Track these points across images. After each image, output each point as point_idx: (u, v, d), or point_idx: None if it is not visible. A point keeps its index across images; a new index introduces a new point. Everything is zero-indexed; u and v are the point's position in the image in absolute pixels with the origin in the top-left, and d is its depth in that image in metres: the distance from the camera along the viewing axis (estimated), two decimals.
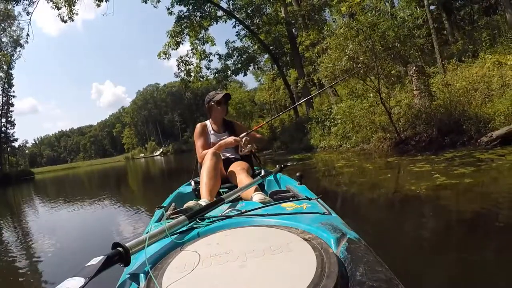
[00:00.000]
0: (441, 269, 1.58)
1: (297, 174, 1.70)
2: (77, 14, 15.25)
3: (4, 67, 27.42)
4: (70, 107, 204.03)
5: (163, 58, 15.59)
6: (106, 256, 0.68)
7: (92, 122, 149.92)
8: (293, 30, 16.30)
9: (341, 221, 0.93)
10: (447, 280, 1.52)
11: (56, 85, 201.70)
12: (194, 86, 17.35)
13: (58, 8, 14.59)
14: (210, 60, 16.77)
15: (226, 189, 1.78)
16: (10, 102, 30.57)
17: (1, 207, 8.75)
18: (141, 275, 0.74)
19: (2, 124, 29.66)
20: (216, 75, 16.81)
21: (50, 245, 3.28)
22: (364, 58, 5.60)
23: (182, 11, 15.51)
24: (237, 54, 17.00)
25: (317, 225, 0.84)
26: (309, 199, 1.20)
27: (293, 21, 15.64)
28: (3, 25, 25.63)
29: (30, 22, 18.41)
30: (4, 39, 26.28)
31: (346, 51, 5.68)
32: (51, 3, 14.44)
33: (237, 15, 16.23)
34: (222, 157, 2.01)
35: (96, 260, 0.66)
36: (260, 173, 2.04)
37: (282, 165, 1.96)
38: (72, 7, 14.52)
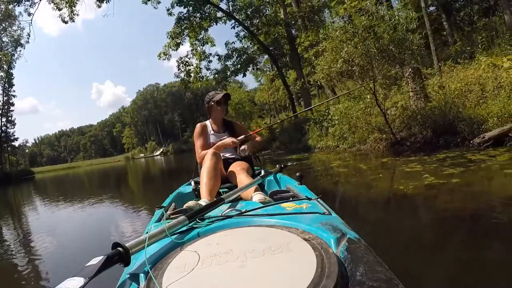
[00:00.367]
0: (420, 266, 1.62)
1: (297, 174, 1.69)
2: (77, 15, 15.39)
3: (5, 66, 27.54)
4: (70, 107, 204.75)
5: (163, 59, 15.73)
6: (106, 256, 0.68)
7: (92, 122, 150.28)
8: (293, 31, 16.41)
9: (341, 221, 0.93)
10: (431, 280, 1.54)
11: (56, 85, 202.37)
12: (194, 87, 17.46)
13: (59, 9, 14.64)
14: (210, 61, 16.88)
15: (226, 189, 1.78)
16: (11, 101, 30.71)
17: (1, 207, 8.75)
18: (141, 275, 0.74)
19: (3, 123, 29.83)
20: (216, 75, 16.94)
21: (50, 244, 3.27)
22: (360, 61, 5.73)
23: (182, 12, 15.64)
24: (236, 55, 17.09)
25: (317, 225, 0.84)
26: (309, 199, 1.20)
27: (292, 22, 15.77)
28: (3, 24, 25.78)
29: (31, 22, 18.56)
30: (4, 39, 26.44)
31: (341, 54, 5.81)
32: (52, 4, 14.62)
33: (236, 16, 16.29)
34: (222, 157, 2.00)
35: (96, 260, 0.66)
36: (260, 173, 2.04)
37: (282, 165, 1.95)
38: (73, 8, 14.65)
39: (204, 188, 1.58)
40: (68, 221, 4.73)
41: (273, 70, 20.22)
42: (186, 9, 15.49)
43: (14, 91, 30.81)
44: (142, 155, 60.16)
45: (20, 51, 26.37)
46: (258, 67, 19.04)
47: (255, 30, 16.52)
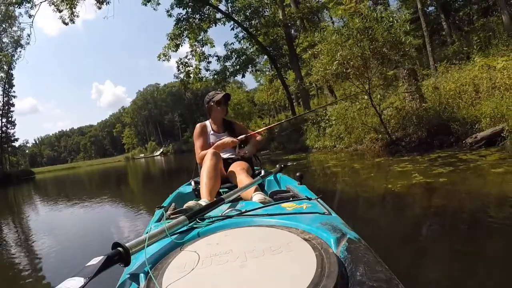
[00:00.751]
0: (399, 259, 1.70)
1: (297, 174, 1.69)
2: (77, 16, 15.50)
3: (5, 67, 27.68)
4: (70, 107, 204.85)
5: (163, 60, 15.86)
6: (106, 256, 0.68)
7: (92, 122, 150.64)
8: (292, 32, 16.53)
9: (341, 221, 0.93)
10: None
11: (56, 85, 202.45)
12: (193, 87, 17.60)
13: (60, 11, 14.70)
14: (209, 62, 16.99)
15: (226, 189, 1.77)
16: (11, 102, 30.82)
17: (2, 207, 8.75)
18: (141, 275, 0.74)
19: (3, 124, 29.96)
20: (215, 76, 17.08)
21: (51, 244, 3.27)
22: (355, 63, 5.84)
23: (181, 13, 15.71)
24: (235, 55, 17.20)
25: (317, 225, 0.84)
26: (309, 199, 1.20)
27: (291, 23, 15.88)
28: (3, 25, 25.91)
29: (32, 24, 18.62)
30: (5, 40, 26.55)
31: (336, 56, 5.92)
32: (53, 6, 14.74)
33: (235, 18, 16.36)
34: (222, 157, 1.99)
35: (96, 260, 0.66)
36: (260, 173, 2.04)
37: (282, 165, 1.95)
38: (73, 9, 14.77)
39: (204, 188, 1.58)
40: (68, 221, 4.74)
41: (272, 71, 20.37)
42: (185, 10, 15.64)
43: (14, 91, 30.88)
44: (142, 155, 60.24)
45: (20, 51, 26.51)
46: (257, 68, 19.18)
47: (254, 31, 16.63)
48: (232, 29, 16.64)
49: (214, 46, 16.97)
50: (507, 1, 11.13)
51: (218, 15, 16.33)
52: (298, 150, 10.84)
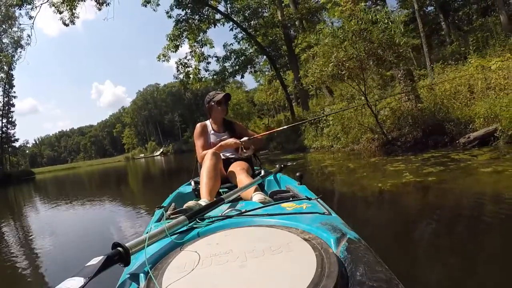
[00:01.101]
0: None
1: (297, 174, 1.69)
2: (78, 17, 15.61)
3: (5, 67, 27.82)
4: (70, 107, 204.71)
5: (163, 61, 15.93)
6: (106, 256, 0.68)
7: (92, 122, 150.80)
8: (291, 32, 16.63)
9: (341, 221, 0.93)
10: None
11: (56, 85, 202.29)
12: (193, 87, 17.73)
13: (60, 12, 14.73)
14: (209, 63, 17.03)
15: (226, 189, 1.77)
16: (11, 102, 30.94)
17: (2, 207, 8.74)
18: (141, 275, 0.74)
19: (3, 124, 30.08)
20: (215, 76, 17.19)
21: (51, 244, 3.27)
22: (350, 64, 5.94)
23: (180, 14, 15.75)
24: (234, 56, 17.27)
25: (317, 225, 0.84)
26: (309, 199, 1.20)
27: (290, 24, 15.97)
28: (3, 26, 26.03)
29: (33, 26, 18.72)
30: (5, 40, 26.67)
31: (331, 59, 6.03)
32: (53, 7, 14.84)
33: (234, 18, 16.39)
34: (222, 157, 2.00)
35: (96, 260, 0.66)
36: (260, 173, 2.04)
37: (282, 165, 1.96)
38: (74, 10, 14.85)
39: (204, 188, 1.58)
40: (69, 221, 4.75)
41: (272, 71, 20.49)
42: (185, 11, 15.69)
43: (14, 92, 30.98)
44: (142, 155, 60.30)
45: (20, 52, 26.61)
46: (256, 68, 19.28)
47: (253, 32, 16.73)
48: (231, 29, 16.75)
49: (213, 46, 17.06)
50: (505, 1, 11.16)
51: (217, 16, 16.41)
52: (296, 150, 10.92)
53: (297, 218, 0.92)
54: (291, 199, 1.33)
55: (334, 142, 9.01)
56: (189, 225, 0.97)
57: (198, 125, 2.20)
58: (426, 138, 6.18)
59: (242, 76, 17.78)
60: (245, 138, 2.05)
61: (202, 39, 16.57)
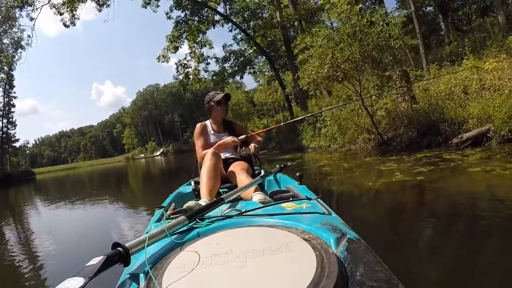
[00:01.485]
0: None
1: (297, 174, 1.69)
2: (78, 19, 15.74)
3: (6, 68, 27.97)
4: (70, 107, 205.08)
5: (162, 61, 16.01)
6: (106, 256, 0.68)
7: (93, 122, 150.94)
8: (291, 33, 16.74)
9: (341, 221, 0.93)
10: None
11: (56, 86, 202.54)
12: (192, 88, 17.87)
13: (61, 14, 14.79)
14: (208, 63, 17.14)
15: (226, 189, 1.77)
16: (12, 103, 31.06)
17: (2, 207, 8.73)
18: (141, 275, 0.74)
19: (4, 125, 30.22)
20: (214, 77, 17.32)
21: (51, 244, 3.27)
22: (346, 66, 6.05)
23: (180, 16, 15.84)
24: (234, 57, 17.37)
25: (317, 225, 0.84)
26: (309, 199, 1.20)
27: (289, 24, 16.09)
28: (4, 26, 26.18)
29: (34, 27, 18.84)
30: (5, 41, 26.81)
31: (326, 60, 6.13)
32: (54, 9, 14.95)
33: (233, 19, 16.49)
34: (222, 157, 1.99)
35: (96, 260, 0.66)
36: (260, 173, 2.05)
37: (282, 165, 1.96)
38: (74, 12, 14.90)
39: (204, 188, 1.58)
40: (69, 222, 4.74)
41: (271, 71, 20.61)
42: (184, 13, 15.77)
43: (15, 92, 31.11)
44: (142, 155, 60.36)
45: (20, 53, 26.75)
46: (254, 69, 19.43)
47: (252, 33, 16.86)
48: (230, 30, 16.87)
49: (212, 47, 17.16)
50: (503, 2, 11.21)
51: (217, 17, 16.52)
52: (294, 150, 10.99)
53: (297, 218, 0.92)
54: (291, 199, 1.33)
55: (331, 142, 9.09)
56: (189, 225, 0.97)
57: (198, 125, 2.20)
58: (420, 138, 6.27)
59: (241, 77, 17.98)
60: (242, 137, 2.05)
61: (202, 40, 16.68)
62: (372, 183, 3.69)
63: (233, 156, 2.12)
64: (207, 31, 16.66)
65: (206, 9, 16.09)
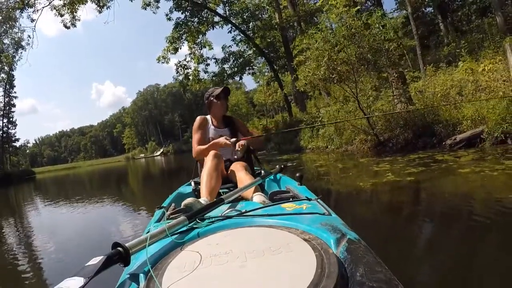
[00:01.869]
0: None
1: (297, 174, 1.69)
2: (79, 20, 15.83)
3: (6, 68, 28.12)
4: (70, 107, 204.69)
5: (162, 62, 16.09)
6: (106, 256, 0.68)
7: (93, 122, 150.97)
8: (291, 33, 16.84)
9: (341, 222, 0.93)
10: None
11: (55, 85, 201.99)
12: (192, 89, 18.01)
13: (61, 15, 14.83)
14: (208, 64, 17.22)
15: (226, 190, 1.77)
16: (12, 102, 31.19)
17: (2, 207, 8.72)
18: (141, 275, 0.73)
19: (4, 124, 30.36)
20: (213, 78, 17.44)
21: (51, 244, 3.27)
22: (342, 68, 6.15)
23: (180, 17, 15.91)
24: (233, 58, 17.47)
25: (317, 226, 0.84)
26: (309, 199, 1.20)
27: (289, 25, 16.19)
28: (4, 27, 26.30)
29: (34, 28, 18.95)
30: (6, 41, 26.94)
31: (322, 63, 6.23)
32: (55, 10, 15.02)
33: (233, 21, 16.57)
34: (225, 157, 1.99)
35: (96, 260, 0.66)
36: (260, 173, 2.05)
37: (282, 166, 1.97)
38: (75, 13, 14.93)
39: (205, 189, 1.58)
40: (69, 221, 4.73)
41: (270, 72, 20.71)
42: (184, 14, 15.84)
43: (15, 92, 31.27)
44: (143, 155, 60.44)
45: (21, 53, 26.88)
46: (253, 71, 19.53)
47: (251, 34, 16.94)
48: (230, 32, 16.98)
49: (212, 48, 17.23)
50: (501, 3, 11.22)
51: (216, 19, 16.61)
52: (293, 151, 11.07)
53: (297, 219, 0.93)
54: (291, 199, 1.33)
55: (328, 143, 9.17)
56: (189, 225, 0.97)
57: (198, 117, 2.16)
58: (416, 140, 6.35)
59: (241, 78, 18.09)
60: (233, 140, 1.99)
61: (201, 41, 16.80)
62: (364, 183, 3.76)
63: (234, 156, 2.09)
64: (206, 32, 16.77)
65: (205, 10, 16.18)
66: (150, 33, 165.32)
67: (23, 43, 25.83)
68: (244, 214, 1.04)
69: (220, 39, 19.98)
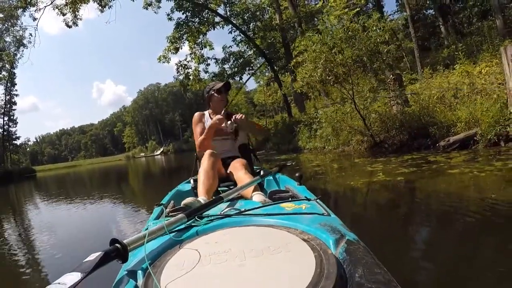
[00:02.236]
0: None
1: (297, 174, 1.69)
2: (80, 19, 15.95)
3: (7, 66, 28.30)
4: (71, 105, 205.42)
5: (163, 62, 16.12)
6: (104, 252, 0.68)
7: (93, 120, 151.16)
8: (292, 34, 16.97)
9: (340, 222, 0.93)
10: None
11: (57, 83, 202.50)
12: (193, 89, 18.18)
13: (63, 14, 14.93)
14: (208, 64, 17.29)
15: (226, 188, 1.77)
16: (13, 101, 31.30)
17: (3, 204, 8.73)
18: (139, 272, 0.73)
19: (5, 122, 30.52)
20: (214, 78, 17.56)
21: (51, 241, 3.27)
22: (338, 70, 6.26)
23: (180, 18, 15.97)
24: (233, 58, 17.59)
25: (316, 226, 0.84)
26: (308, 199, 1.20)
27: (289, 26, 16.32)
28: (6, 25, 26.48)
29: (37, 27, 19.10)
30: (7, 39, 27.10)
31: (319, 64, 6.35)
32: (56, 9, 15.13)
33: (233, 21, 16.65)
34: (221, 157, 1.99)
35: (94, 256, 0.66)
36: (260, 172, 2.05)
37: (282, 165, 2.00)
38: (76, 12, 14.98)
39: (201, 187, 1.58)
40: (70, 219, 4.74)
41: (270, 73, 20.84)
42: (185, 14, 15.88)
43: (16, 90, 31.38)
44: (143, 154, 60.58)
45: (22, 51, 27.04)
46: (254, 71, 19.69)
47: (252, 35, 17.06)
48: (230, 32, 17.10)
49: (213, 48, 17.33)
50: (501, 6, 11.29)
51: (217, 19, 16.70)
52: (291, 151, 11.14)
53: (297, 219, 0.92)
54: (290, 199, 1.33)
55: (326, 144, 9.25)
56: (188, 223, 0.96)
57: (196, 113, 2.19)
58: (411, 141, 6.42)
59: (241, 78, 18.26)
60: (224, 114, 2.04)
61: (202, 41, 16.94)
62: (354, 182, 3.88)
63: (232, 155, 2.11)
64: (207, 33, 16.92)
65: (206, 10, 16.32)
66: (152, 32, 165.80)
67: (25, 41, 25.97)
68: (243, 213, 1.03)
69: (221, 39, 20.16)
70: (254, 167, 2.25)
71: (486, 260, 1.56)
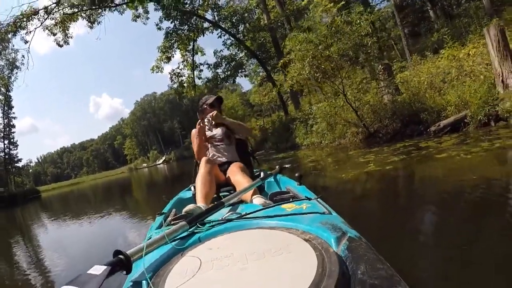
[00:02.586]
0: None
1: (296, 174, 1.70)
2: (71, 37, 16.19)
3: (3, 89, 28.50)
4: (69, 122, 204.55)
5: (156, 72, 16.44)
6: (109, 265, 0.69)
7: (93, 136, 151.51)
8: (281, 32, 17.12)
9: (341, 220, 0.94)
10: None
11: (52, 102, 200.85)
12: (188, 95, 18.34)
13: (54, 34, 15.13)
14: (201, 70, 17.42)
15: (227, 193, 1.78)
16: (11, 123, 31.57)
17: (11, 229, 8.76)
18: (144, 282, 0.74)
19: (5, 146, 30.72)
20: (207, 83, 17.78)
21: (58, 257, 3.33)
22: (326, 66, 6.39)
23: (169, 27, 16.10)
24: (225, 62, 17.71)
25: (317, 225, 0.84)
26: (309, 199, 1.21)
27: (277, 25, 16.46)
28: None
29: (29, 50, 19.33)
30: (0, 63, 27.32)
31: (305, 63, 6.47)
32: (47, 30, 15.31)
33: (222, 25, 16.73)
34: (219, 162, 2.02)
35: (98, 269, 0.66)
36: (260, 175, 2.06)
37: (282, 166, 2.02)
38: (67, 31, 15.28)
39: (199, 195, 1.59)
40: (75, 237, 4.77)
41: (264, 72, 20.98)
42: (173, 23, 15.97)
43: (13, 113, 31.60)
44: (145, 164, 60.76)
45: (16, 73, 27.19)
46: (246, 72, 19.84)
47: (242, 37, 17.16)
48: (220, 36, 17.20)
49: (204, 54, 17.50)
50: None
51: (206, 24, 16.83)
52: (289, 149, 11.18)
53: (297, 219, 0.93)
54: (291, 200, 1.33)
55: (322, 138, 9.32)
56: (190, 230, 0.97)
57: (193, 130, 2.21)
58: (404, 128, 6.49)
59: (234, 81, 18.43)
60: (207, 116, 2.06)
61: (193, 48, 17.14)
62: (345, 174, 3.96)
63: (229, 160, 2.11)
64: (197, 39, 17.08)
65: (194, 17, 16.48)
66: (143, 43, 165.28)
67: (18, 63, 26.08)
68: (244, 216, 1.04)
69: (213, 44, 20.30)
70: (254, 170, 2.27)
71: (480, 241, 1.59)
